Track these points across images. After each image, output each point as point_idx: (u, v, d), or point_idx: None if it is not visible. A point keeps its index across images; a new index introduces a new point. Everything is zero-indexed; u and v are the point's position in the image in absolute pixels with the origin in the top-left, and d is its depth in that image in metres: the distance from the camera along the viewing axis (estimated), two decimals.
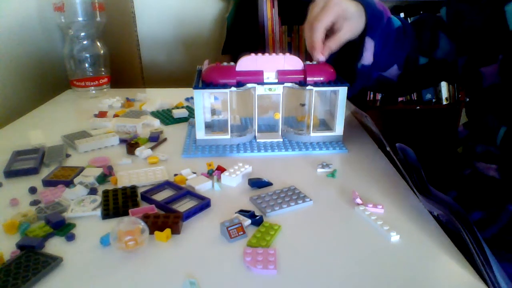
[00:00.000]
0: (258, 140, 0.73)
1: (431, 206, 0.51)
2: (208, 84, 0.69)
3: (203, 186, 0.58)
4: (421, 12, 1.78)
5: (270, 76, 0.70)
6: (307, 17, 0.68)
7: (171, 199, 0.54)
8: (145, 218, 0.48)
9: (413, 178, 0.55)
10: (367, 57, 0.70)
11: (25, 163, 0.65)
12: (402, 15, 1.75)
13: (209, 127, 0.76)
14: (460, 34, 0.71)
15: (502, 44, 0.62)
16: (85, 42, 1.06)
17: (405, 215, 0.51)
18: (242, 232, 0.47)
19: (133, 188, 0.56)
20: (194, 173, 0.62)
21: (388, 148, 0.61)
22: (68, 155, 0.70)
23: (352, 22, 0.67)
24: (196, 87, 0.67)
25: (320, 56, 0.67)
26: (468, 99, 0.76)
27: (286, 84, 0.70)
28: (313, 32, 0.66)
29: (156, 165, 0.66)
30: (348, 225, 0.49)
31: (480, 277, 0.40)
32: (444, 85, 1.84)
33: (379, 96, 1.89)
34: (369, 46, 0.69)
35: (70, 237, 0.47)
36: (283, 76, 0.70)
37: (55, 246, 0.46)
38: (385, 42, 0.72)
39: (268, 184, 0.59)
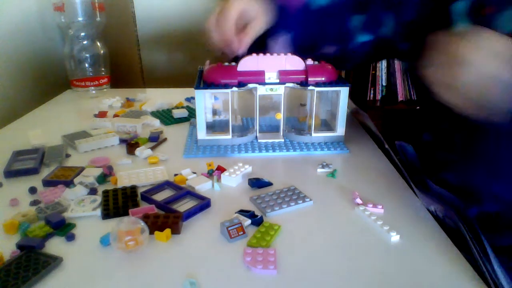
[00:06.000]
0: (259, 141, 0.73)
1: (429, 201, 0.51)
2: (209, 84, 0.69)
3: (203, 186, 0.58)
4: None
5: (271, 76, 0.70)
6: (208, 21, 0.67)
7: (171, 199, 0.54)
8: (145, 218, 0.48)
9: (411, 173, 0.55)
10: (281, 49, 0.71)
11: (25, 163, 0.65)
12: None
13: (211, 127, 0.76)
14: (404, 23, 0.70)
15: None
16: (85, 42, 1.06)
17: (405, 215, 0.51)
18: (242, 232, 0.47)
19: (133, 188, 0.56)
20: (194, 173, 0.62)
21: (386, 146, 0.61)
22: (68, 155, 0.70)
23: (258, 20, 0.67)
24: (198, 87, 0.67)
25: (240, 49, 0.66)
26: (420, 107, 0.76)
27: (287, 84, 0.70)
28: (222, 28, 0.65)
29: (156, 165, 0.65)
30: (348, 225, 0.49)
31: (480, 277, 0.40)
32: None
33: (379, 96, 1.89)
34: (278, 42, 0.70)
35: (70, 237, 0.46)
36: (284, 76, 0.70)
37: (55, 246, 0.46)
38: (300, 27, 0.71)
39: (268, 184, 0.59)
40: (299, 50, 0.72)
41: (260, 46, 0.69)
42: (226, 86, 0.68)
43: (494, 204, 0.55)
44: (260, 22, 0.68)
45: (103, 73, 1.11)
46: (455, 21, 0.59)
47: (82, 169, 0.62)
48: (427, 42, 0.54)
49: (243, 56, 0.69)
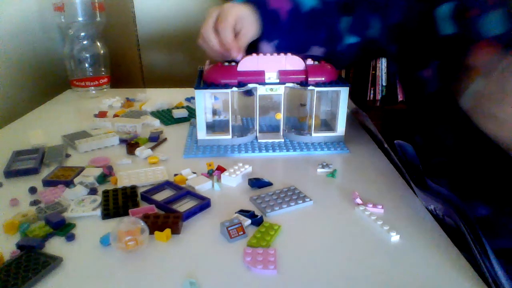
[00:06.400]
0: (259, 141, 0.73)
1: (428, 199, 0.51)
2: (209, 84, 0.69)
3: (203, 186, 0.58)
4: None
5: (271, 76, 0.70)
6: (204, 26, 0.68)
7: (171, 199, 0.54)
8: (145, 218, 0.48)
9: (410, 172, 0.55)
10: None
11: (25, 163, 0.65)
12: None
13: (211, 127, 0.76)
14: (391, 26, 0.71)
15: (433, 50, 0.62)
16: (85, 42, 1.06)
17: (405, 215, 0.51)
18: (242, 232, 0.47)
19: (133, 188, 0.56)
20: (194, 173, 0.62)
21: (385, 145, 0.61)
22: (68, 155, 0.70)
23: (249, 25, 0.68)
24: (198, 87, 0.67)
25: (239, 55, 0.67)
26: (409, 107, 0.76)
27: (287, 84, 0.70)
28: (222, 34, 0.66)
29: (156, 165, 0.65)
30: (348, 225, 0.49)
31: (480, 277, 0.40)
32: None
33: (379, 96, 1.89)
34: (266, 48, 0.72)
35: (70, 237, 0.46)
36: (284, 76, 0.70)
37: (55, 246, 0.46)
38: (290, 34, 0.73)
39: (268, 184, 0.59)
40: (283, 49, 0.73)
41: (250, 52, 0.70)
42: (226, 86, 0.68)
43: (485, 208, 0.55)
44: (252, 28, 0.69)
45: (103, 73, 1.11)
46: (439, 25, 0.59)
47: (82, 169, 0.62)
48: (468, 64, 0.54)
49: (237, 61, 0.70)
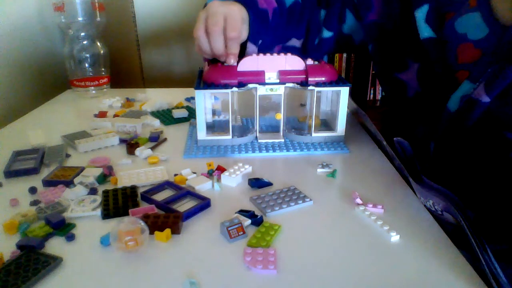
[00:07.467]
0: (259, 141, 0.73)
1: (426, 193, 0.50)
2: (209, 84, 0.69)
3: (203, 186, 0.58)
4: None
5: (271, 76, 0.70)
6: (196, 31, 0.66)
7: (171, 199, 0.54)
8: (145, 218, 0.48)
9: (409, 168, 0.55)
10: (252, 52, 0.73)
11: (25, 163, 0.65)
12: None
13: (211, 127, 0.76)
14: (366, 24, 0.72)
15: (413, 52, 0.62)
16: (85, 42, 1.06)
17: (405, 215, 0.51)
18: (242, 232, 0.47)
19: (133, 188, 0.56)
20: (194, 173, 0.62)
21: (384, 143, 0.61)
22: (68, 155, 0.70)
23: (243, 28, 0.68)
24: (198, 88, 0.67)
25: (233, 60, 0.67)
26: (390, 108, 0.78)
27: (287, 85, 0.70)
28: (213, 41, 0.65)
29: (156, 165, 0.65)
30: (348, 225, 0.49)
31: (480, 277, 0.40)
32: None
33: (379, 96, 1.89)
34: (252, 48, 0.72)
35: (70, 237, 0.46)
36: (284, 76, 0.70)
37: (55, 246, 0.46)
38: (274, 32, 0.74)
39: (268, 184, 0.59)
40: (265, 46, 0.75)
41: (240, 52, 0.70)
42: (226, 86, 0.68)
43: (468, 212, 0.55)
44: (245, 28, 0.69)
45: (103, 73, 1.11)
46: (419, 28, 0.59)
47: (82, 169, 0.62)
48: (453, 66, 0.56)
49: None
